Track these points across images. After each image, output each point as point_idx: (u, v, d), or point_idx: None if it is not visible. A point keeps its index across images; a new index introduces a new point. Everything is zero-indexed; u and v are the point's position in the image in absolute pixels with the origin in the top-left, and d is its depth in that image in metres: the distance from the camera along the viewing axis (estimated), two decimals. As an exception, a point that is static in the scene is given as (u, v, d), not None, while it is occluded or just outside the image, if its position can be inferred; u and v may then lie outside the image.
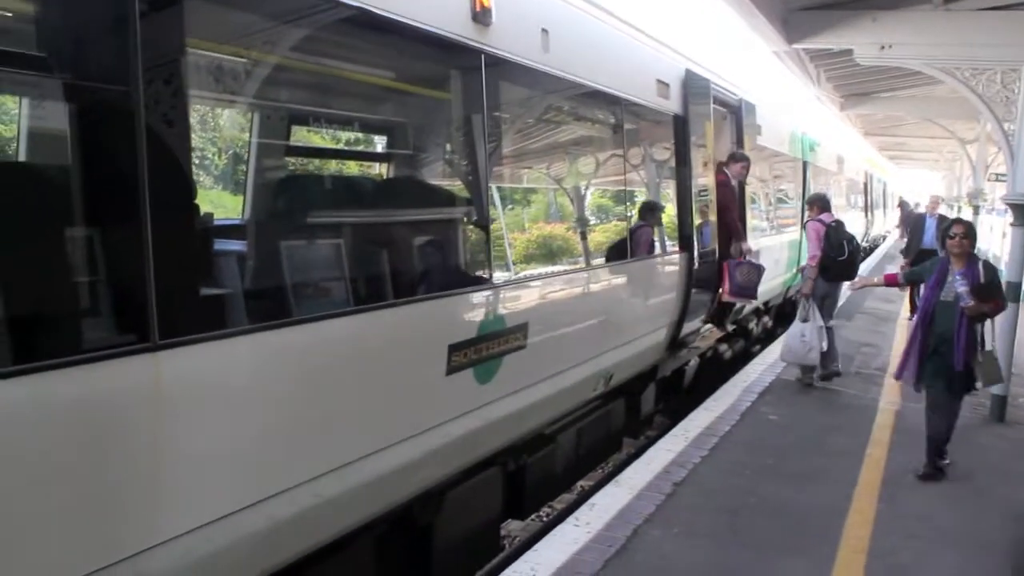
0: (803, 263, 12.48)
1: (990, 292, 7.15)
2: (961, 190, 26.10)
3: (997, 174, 18.29)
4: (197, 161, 3.75)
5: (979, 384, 7.30)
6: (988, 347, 7.36)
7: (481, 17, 5.14)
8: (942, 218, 14.79)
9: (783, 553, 5.67)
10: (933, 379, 7.25)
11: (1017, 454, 7.99)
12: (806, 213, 11.18)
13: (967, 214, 20.34)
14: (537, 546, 5.58)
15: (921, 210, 22.28)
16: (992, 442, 8.13)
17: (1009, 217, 10.16)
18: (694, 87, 9.23)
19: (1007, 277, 9.08)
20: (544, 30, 5.95)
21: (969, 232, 7.40)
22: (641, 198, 8.82)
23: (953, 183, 31.86)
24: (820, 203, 10.73)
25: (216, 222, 3.94)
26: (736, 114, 11.34)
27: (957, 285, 7.09)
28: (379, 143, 5.41)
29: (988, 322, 7.39)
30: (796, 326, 10.11)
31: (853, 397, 10.15)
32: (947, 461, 7.33)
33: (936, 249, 13.76)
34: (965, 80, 10.14)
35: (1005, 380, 7.81)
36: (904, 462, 7.64)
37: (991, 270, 7.28)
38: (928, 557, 5.80)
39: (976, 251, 7.51)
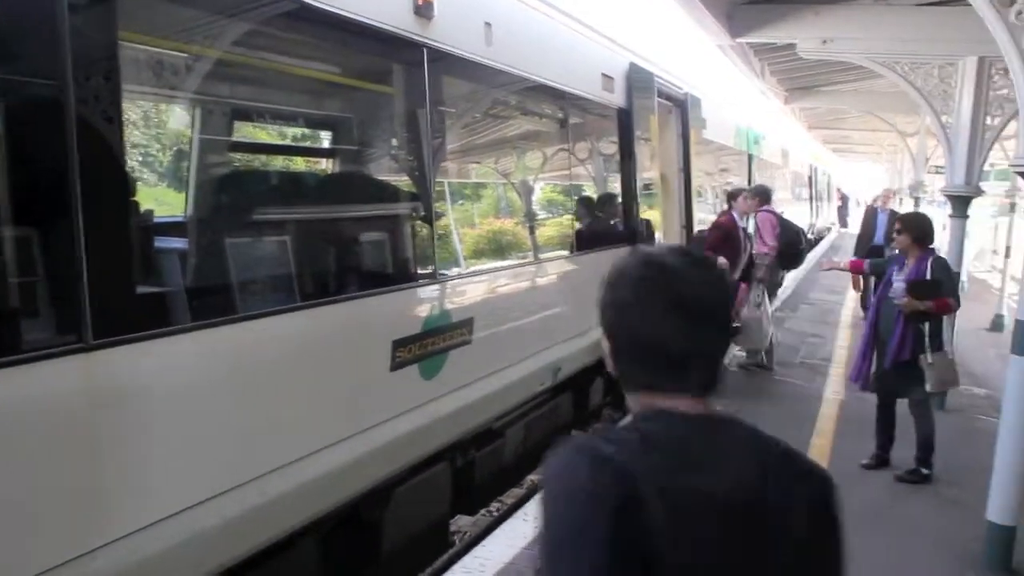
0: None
1: (925, 289, 6.86)
2: (903, 182, 26.54)
3: (937, 166, 18.60)
4: (132, 158, 3.67)
5: (928, 387, 6.93)
6: (947, 348, 7.07)
7: (423, 11, 5.12)
8: (894, 213, 14.35)
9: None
10: (879, 380, 7.29)
11: (958, 441, 8.15)
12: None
13: (908, 206, 20.65)
14: (485, 541, 5.59)
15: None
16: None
17: (948, 209, 10.36)
18: (638, 81, 9.27)
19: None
20: (487, 24, 5.93)
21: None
22: (586, 192, 8.84)
23: (895, 175, 32.38)
24: (763, 195, 10.85)
25: (153, 219, 3.87)
26: (681, 108, 11.42)
27: (894, 280, 7.09)
28: (320, 139, 5.35)
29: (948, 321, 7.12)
30: (751, 311, 10.18)
31: (798, 387, 10.29)
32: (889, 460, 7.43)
33: (885, 245, 13.59)
34: (904, 74, 10.28)
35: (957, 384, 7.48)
36: (848, 451, 7.77)
37: (939, 267, 7.00)
38: (871, 544, 5.89)
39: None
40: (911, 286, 6.90)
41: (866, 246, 14.86)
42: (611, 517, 1.45)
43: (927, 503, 6.75)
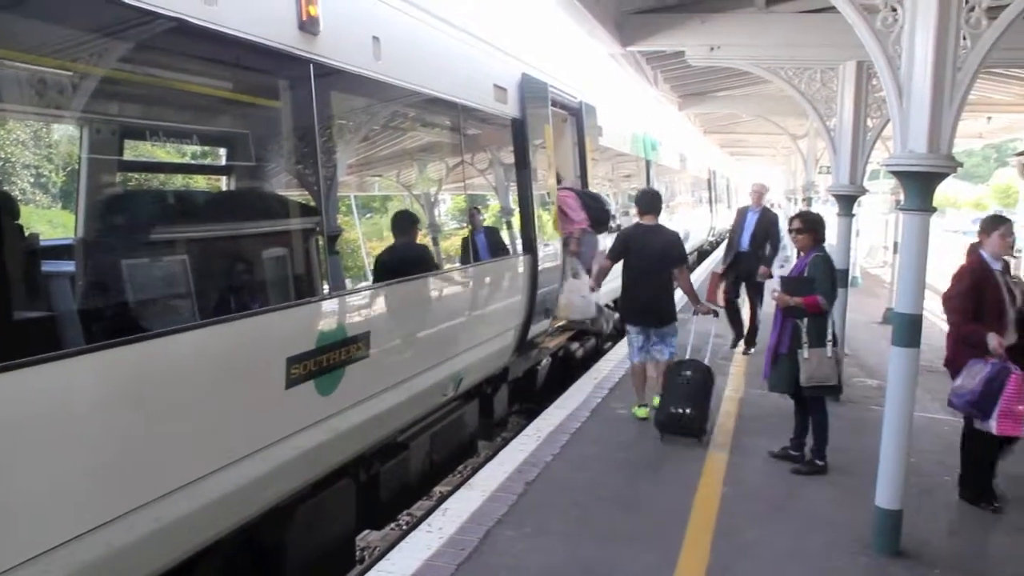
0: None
1: (797, 285, 7.15)
2: (796, 183, 27.30)
3: (826, 167, 19.19)
4: (6, 178, 3.58)
5: (801, 380, 7.11)
6: (828, 344, 7.09)
7: (308, 26, 5.10)
8: (766, 212, 13.15)
9: (634, 542, 5.82)
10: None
11: (852, 431, 8.43)
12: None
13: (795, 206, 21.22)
14: (390, 555, 5.57)
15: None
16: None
17: (835, 208, 10.72)
18: (531, 90, 9.37)
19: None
20: (375, 38, 5.93)
21: (804, 226, 7.44)
22: (481, 203, 8.89)
23: (790, 176, 33.30)
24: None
25: (34, 242, 3.76)
26: (576, 116, 11.59)
27: (776, 274, 7.40)
28: (207, 157, 5.26)
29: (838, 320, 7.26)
30: (571, 283, 10.17)
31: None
32: (797, 453, 7.64)
33: (750, 252, 12.57)
34: (789, 79, 10.59)
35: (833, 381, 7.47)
36: (748, 447, 7.97)
37: (816, 265, 7.20)
38: (771, 534, 6.07)
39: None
40: (784, 282, 7.26)
41: (732, 253, 12.87)
42: (621, 239, 8.99)
43: (822, 493, 6.97)
